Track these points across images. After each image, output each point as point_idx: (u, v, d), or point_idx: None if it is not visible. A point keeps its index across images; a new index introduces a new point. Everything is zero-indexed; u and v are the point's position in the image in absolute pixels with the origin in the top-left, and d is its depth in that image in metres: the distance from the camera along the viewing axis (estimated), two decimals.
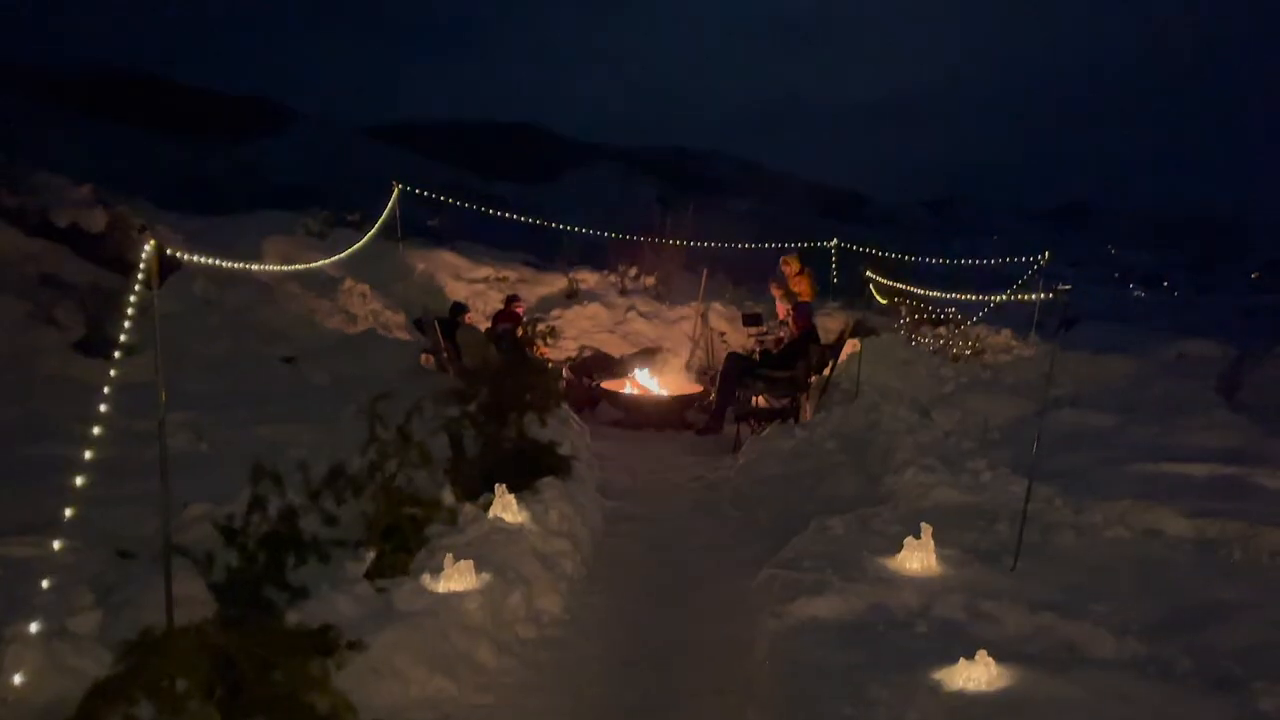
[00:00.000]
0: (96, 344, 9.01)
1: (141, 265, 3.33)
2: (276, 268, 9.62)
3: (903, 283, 13.21)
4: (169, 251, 3.97)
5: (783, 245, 14.07)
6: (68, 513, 3.90)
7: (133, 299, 3.49)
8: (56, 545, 3.99)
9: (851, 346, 10.84)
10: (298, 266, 9.05)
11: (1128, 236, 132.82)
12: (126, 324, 3.85)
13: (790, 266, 12.74)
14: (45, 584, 3.85)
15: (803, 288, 12.53)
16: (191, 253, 11.91)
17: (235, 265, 7.08)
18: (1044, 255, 12.82)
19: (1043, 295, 9.45)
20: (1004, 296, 11.16)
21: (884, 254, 14.74)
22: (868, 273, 11.91)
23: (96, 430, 4.03)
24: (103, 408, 4.07)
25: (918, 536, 5.19)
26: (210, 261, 6.29)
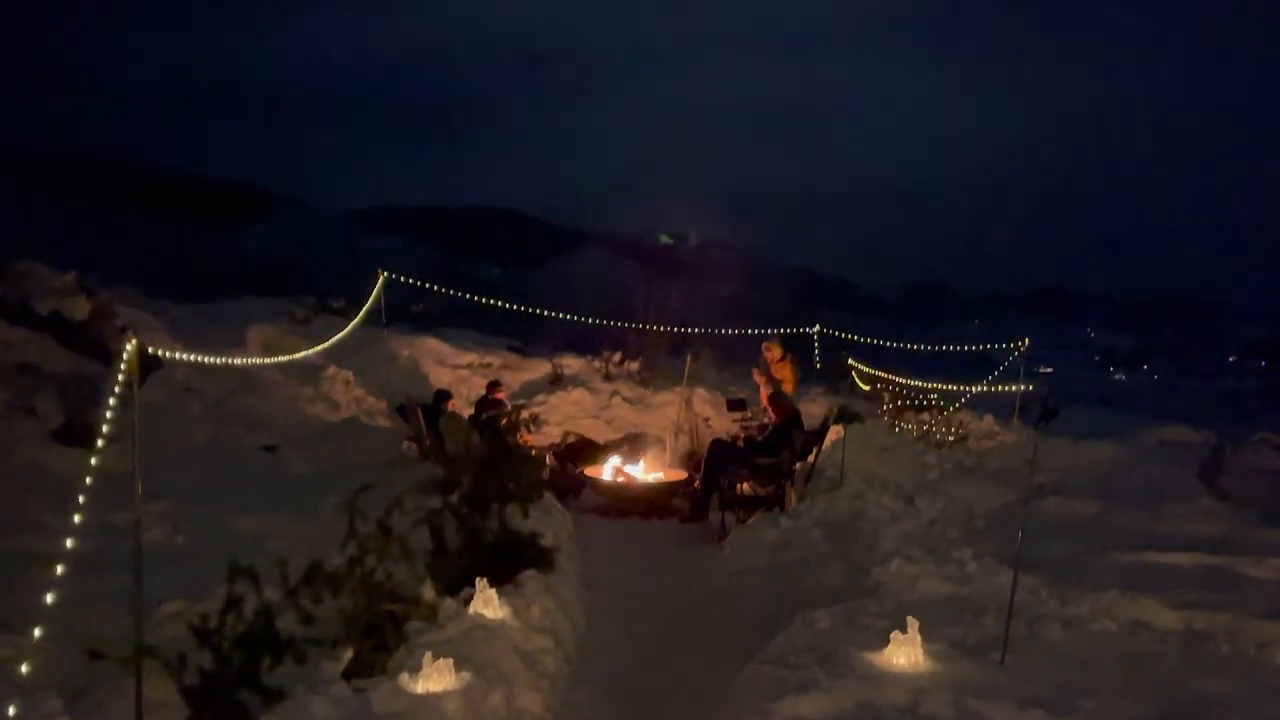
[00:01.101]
0: (75, 433, 8.93)
1: (123, 366, 3.33)
2: (260, 360, 9.61)
3: (885, 369, 13.29)
4: (150, 350, 3.97)
5: (766, 331, 14.16)
6: (41, 608, 3.82)
7: (112, 401, 3.48)
8: (27, 644, 3.90)
9: (835, 433, 10.84)
10: (280, 359, 9.04)
11: (1107, 320, 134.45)
12: (107, 419, 3.82)
13: (772, 352, 12.79)
14: (12, 688, 3.75)
15: (785, 374, 12.57)
16: (174, 341, 11.91)
17: (217, 360, 7.05)
18: (1023, 342, 12.95)
19: (1023, 386, 9.52)
20: (983, 386, 11.24)
21: (866, 340, 14.86)
22: (850, 360, 12.01)
23: (75, 518, 3.98)
24: (80, 499, 4.02)
25: (904, 631, 5.13)
26: (193, 358, 6.27)
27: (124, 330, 9.21)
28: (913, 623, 5.14)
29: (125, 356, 3.23)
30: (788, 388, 12.15)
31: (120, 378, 3.37)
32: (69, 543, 4.03)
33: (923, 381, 12.68)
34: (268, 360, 9.16)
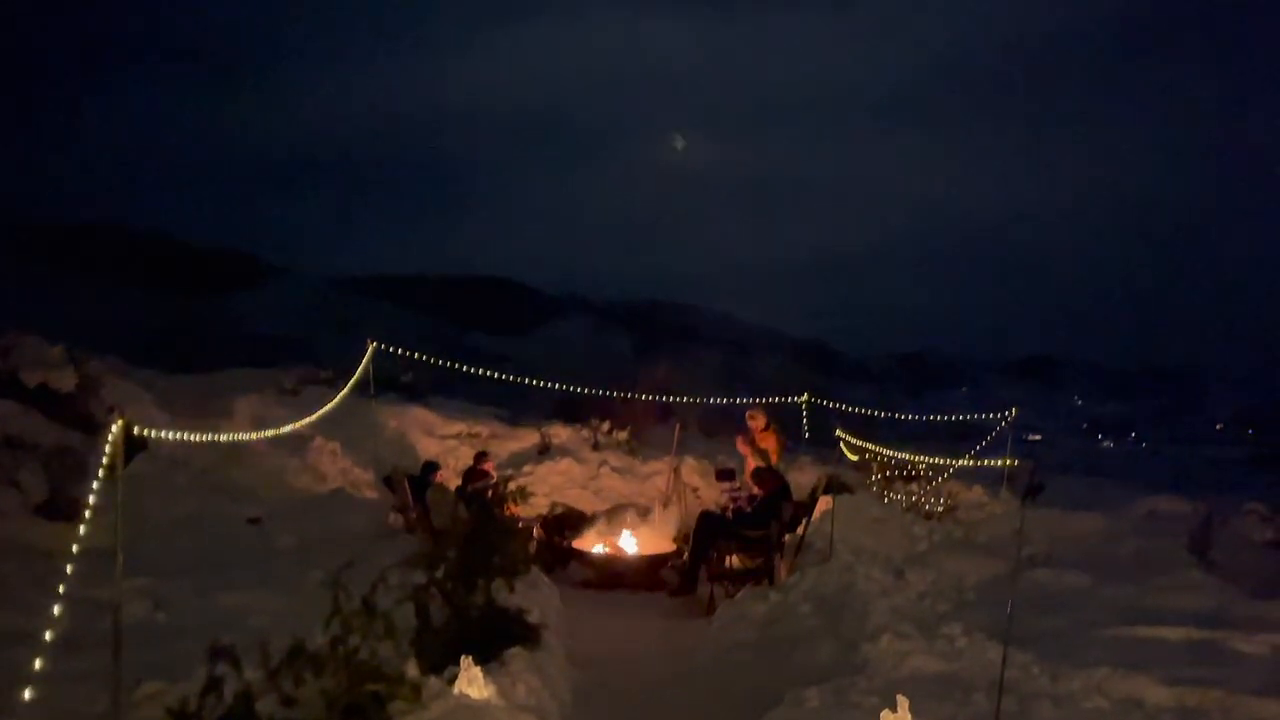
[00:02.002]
0: (58, 508, 8.85)
1: (108, 449, 3.32)
2: (247, 436, 9.56)
3: (874, 438, 13.30)
4: (136, 430, 3.97)
5: (753, 400, 14.18)
6: (19, 688, 3.75)
7: (96, 485, 3.47)
8: None
9: (824, 504, 10.81)
10: (267, 433, 9.00)
11: (1093, 387, 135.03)
12: (90, 503, 3.80)
13: (757, 421, 12.76)
14: None
15: (770, 443, 12.53)
16: (161, 412, 11.87)
17: (204, 438, 7.03)
18: (1011, 412, 13.02)
19: (1011, 461, 9.56)
20: (970, 460, 11.27)
21: (855, 410, 14.88)
22: (838, 431, 12.02)
23: (57, 604, 3.93)
24: (66, 573, 3.98)
25: (894, 709, 5.07)
26: (179, 437, 6.25)
27: (111, 410, 9.16)
28: (903, 701, 5.08)
29: (111, 438, 3.22)
30: (773, 457, 12.14)
31: (105, 460, 3.37)
32: (50, 622, 3.98)
33: (911, 453, 12.69)
34: (254, 436, 9.12)
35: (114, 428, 3.25)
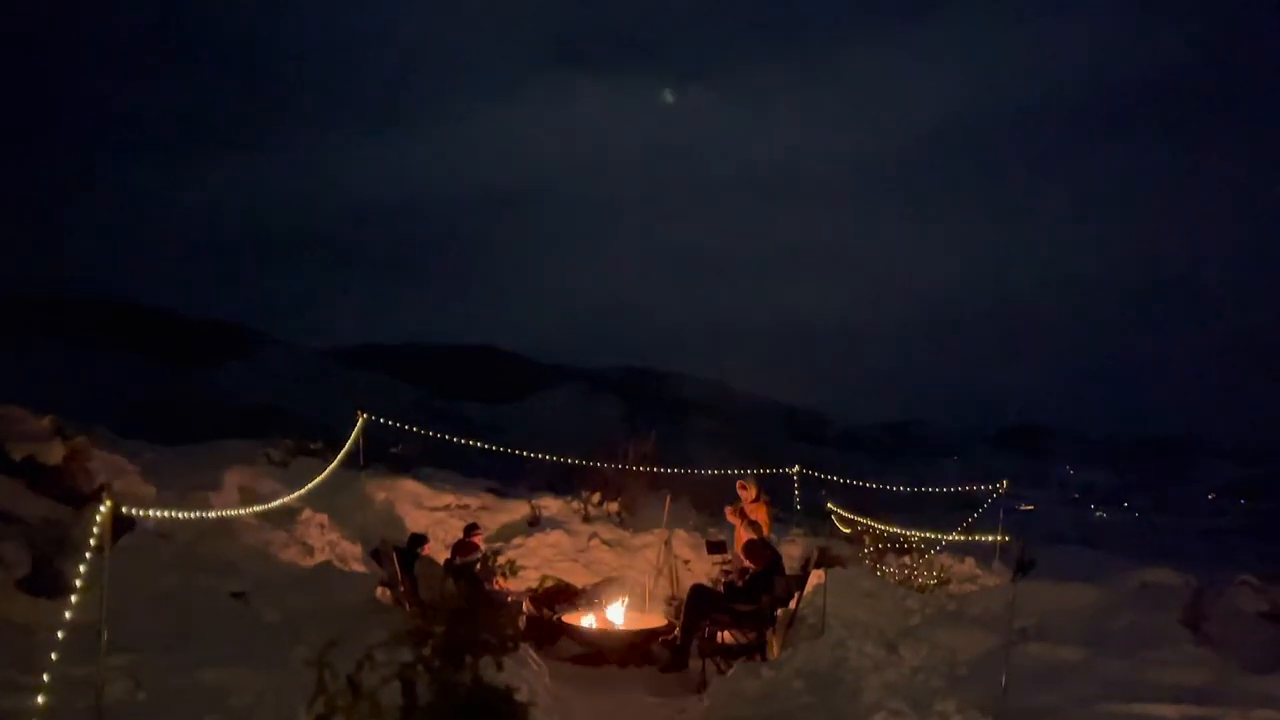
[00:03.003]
0: (42, 583, 8.73)
1: (95, 530, 3.31)
2: (234, 512, 9.51)
3: (865, 508, 13.29)
4: (123, 510, 3.95)
5: (745, 471, 14.17)
6: None
7: (82, 569, 3.44)
8: None
9: (817, 577, 10.74)
10: (255, 508, 8.96)
11: (1084, 456, 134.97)
12: (77, 584, 3.77)
13: (747, 492, 12.75)
14: None
15: (760, 515, 12.49)
16: (147, 484, 11.79)
17: (190, 515, 6.99)
18: (1001, 484, 13.02)
19: (1002, 537, 9.56)
20: (960, 535, 11.26)
21: (846, 481, 14.87)
22: (829, 504, 12.02)
23: (39, 694, 3.86)
24: (48, 648, 3.93)
25: None
26: (165, 514, 6.22)
27: (100, 490, 9.09)
28: None
29: (98, 520, 3.21)
30: (764, 529, 12.11)
31: (93, 541, 3.35)
32: (31, 703, 3.91)
33: (902, 526, 12.68)
34: (242, 511, 9.06)
35: (101, 508, 3.24)
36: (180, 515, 6.58)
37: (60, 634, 4.06)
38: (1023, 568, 6.31)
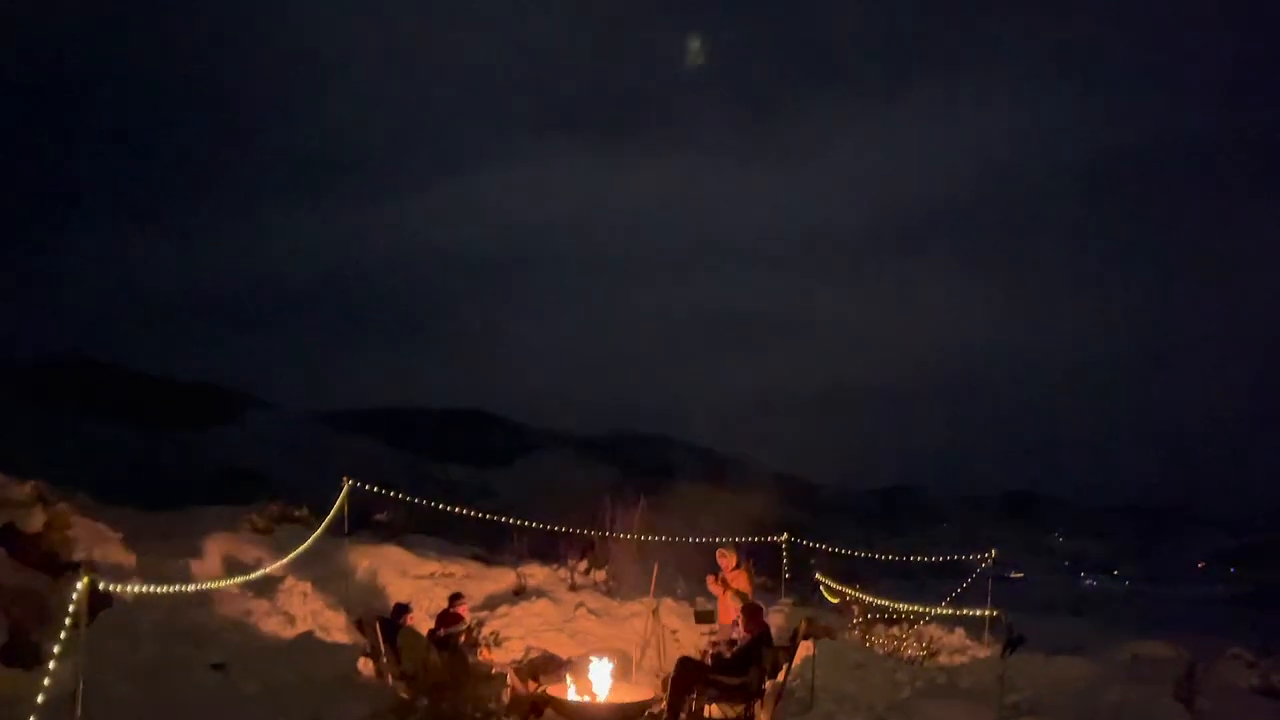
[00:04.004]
0: (18, 652, 8.58)
1: (71, 609, 3.27)
2: (214, 584, 9.40)
3: (855, 576, 13.22)
4: (101, 586, 3.91)
5: (734, 539, 14.10)
6: None
7: (57, 650, 3.39)
8: None
9: (805, 649, 10.62)
10: (237, 579, 8.85)
11: (1074, 523, 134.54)
12: (54, 658, 3.71)
13: (728, 560, 12.61)
14: None
15: (741, 583, 12.34)
16: (128, 552, 11.65)
17: (170, 589, 6.91)
18: (991, 553, 12.98)
19: (992, 612, 9.50)
20: (949, 610, 11.19)
21: (834, 550, 14.80)
22: (818, 575, 11.96)
23: None
24: None
25: None
26: (145, 589, 6.14)
27: (79, 566, 8.97)
28: None
29: (75, 598, 3.18)
30: (747, 598, 11.99)
31: (68, 620, 3.31)
32: None
33: (892, 596, 12.60)
34: (223, 584, 8.96)
35: (79, 585, 3.20)
36: (159, 590, 6.50)
37: (37, 703, 3.99)
38: (1012, 644, 6.26)
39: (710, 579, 12.61)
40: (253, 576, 9.02)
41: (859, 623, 13.05)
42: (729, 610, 11.90)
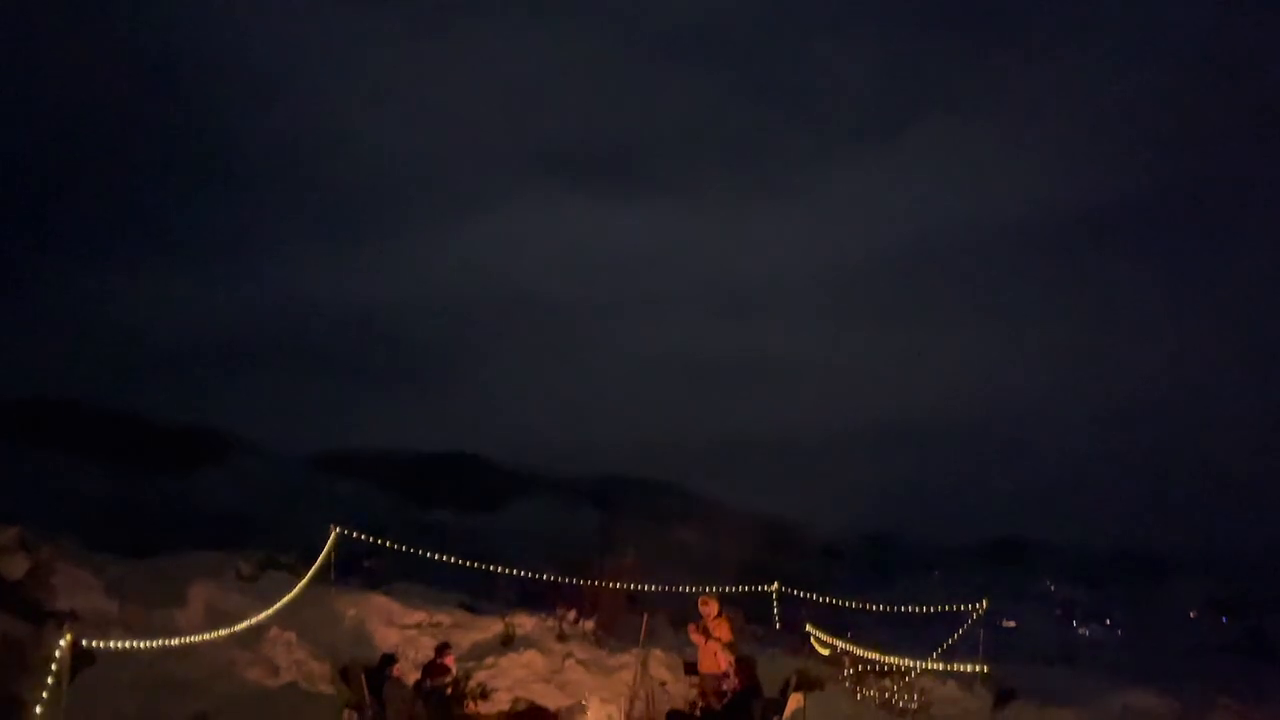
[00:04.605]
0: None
1: (53, 666, 3.22)
2: (197, 638, 9.29)
3: (845, 625, 13.12)
4: (83, 644, 3.86)
5: (724, 589, 14.01)
6: None
7: (39, 710, 3.34)
8: None
9: (796, 701, 10.53)
10: (220, 632, 8.75)
11: (1064, 570, 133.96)
12: (37, 704, 3.65)
13: (709, 608, 12.46)
14: None
15: (723, 631, 12.19)
16: (111, 601, 11.52)
17: (152, 644, 6.83)
18: (981, 604, 12.92)
19: (981, 667, 9.46)
20: (939, 664, 11.13)
21: (826, 600, 14.71)
22: (808, 626, 11.87)
23: None
24: None
25: None
26: (128, 645, 6.07)
27: (62, 623, 8.84)
28: None
29: (57, 655, 3.13)
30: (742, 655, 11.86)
31: (50, 679, 3.26)
32: None
33: (883, 645, 12.51)
34: (206, 636, 8.85)
35: (61, 643, 3.16)
36: (141, 645, 6.42)
37: None
38: (1001, 700, 6.21)
39: (691, 627, 12.47)
40: (237, 629, 8.90)
41: (850, 674, 12.93)
42: (710, 659, 11.77)
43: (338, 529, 12.77)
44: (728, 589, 13.81)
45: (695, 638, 12.30)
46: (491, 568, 15.71)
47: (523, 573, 15.53)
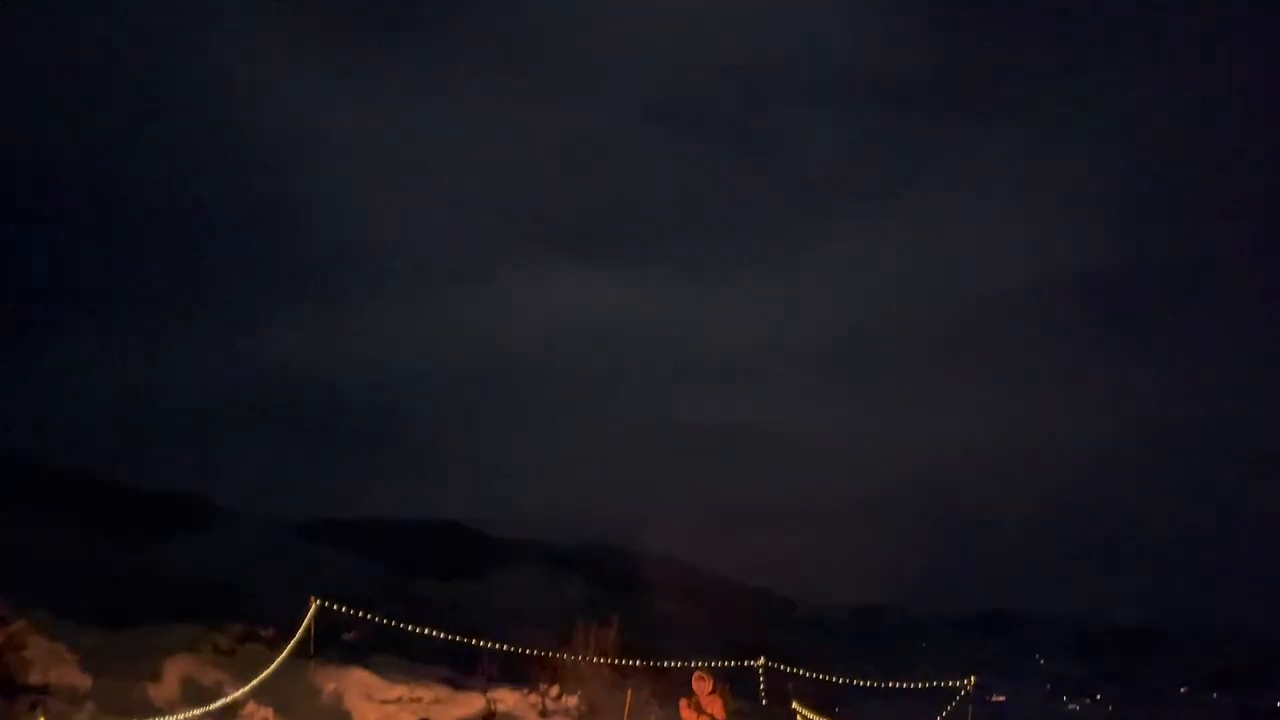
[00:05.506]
0: None
1: None
2: (174, 718, 9.09)
3: (834, 698, 12.92)
4: None
5: (706, 662, 13.80)
6: None
7: None
8: None
9: None
10: (195, 712, 8.57)
11: (1053, 644, 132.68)
12: None
13: (703, 684, 12.25)
14: None
15: (717, 709, 11.99)
16: (84, 675, 11.29)
17: None
18: (970, 680, 12.76)
19: None
20: None
21: (813, 675, 14.51)
22: (795, 704, 11.68)
23: None
24: None
25: None
26: None
27: (34, 703, 8.67)
28: None
29: None
30: None
31: None
32: None
33: None
34: (182, 717, 8.66)
35: None
36: None
37: None
38: None
39: (684, 703, 12.26)
40: (212, 707, 8.72)
41: None
42: None
43: (318, 600, 12.54)
44: (713, 663, 13.63)
45: (687, 714, 12.05)
46: (474, 641, 15.47)
47: (505, 647, 15.30)
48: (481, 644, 15.46)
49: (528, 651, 15.32)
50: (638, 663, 15.12)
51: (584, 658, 15.20)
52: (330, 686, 13.99)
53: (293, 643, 11.77)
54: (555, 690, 14.87)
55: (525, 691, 15.02)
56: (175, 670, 12.70)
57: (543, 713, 14.41)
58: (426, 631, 14.98)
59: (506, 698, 14.74)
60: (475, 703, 14.55)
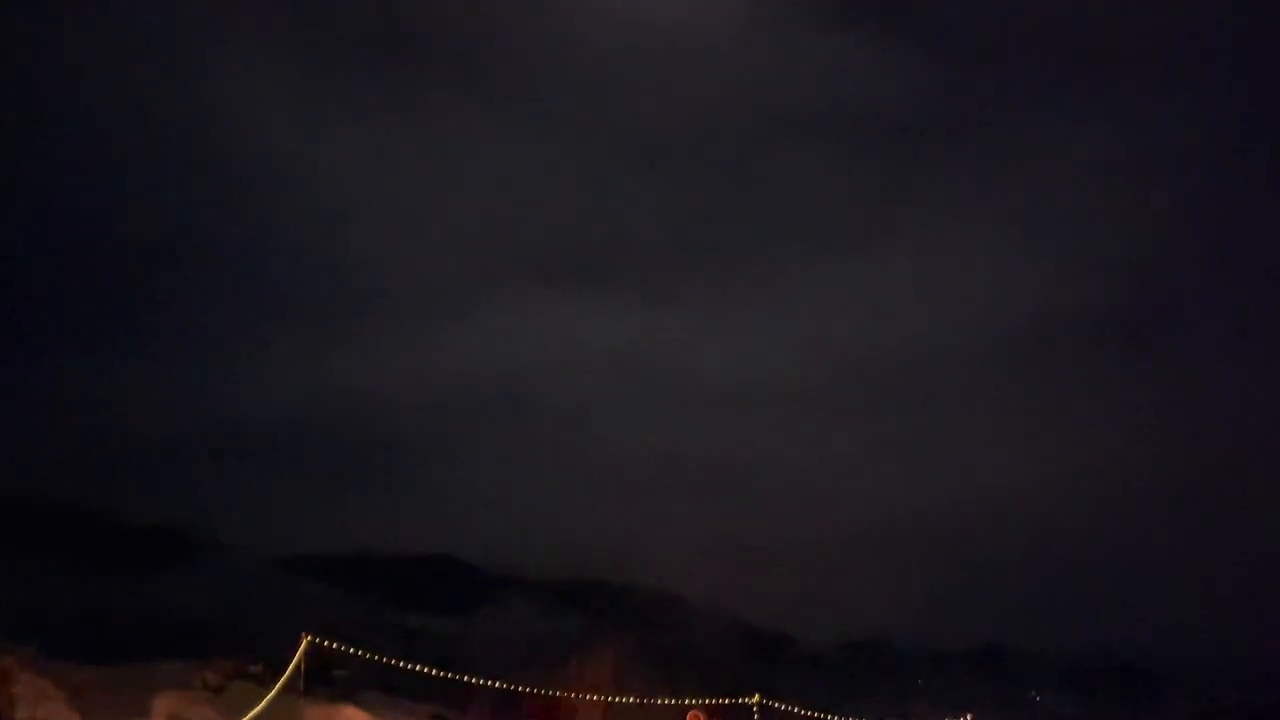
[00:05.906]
0: None
1: None
2: None
3: None
4: None
5: (703, 701, 13.76)
6: None
7: None
8: None
9: None
10: None
11: (1047, 680, 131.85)
12: None
13: None
14: None
15: None
16: (72, 712, 11.17)
17: None
18: (966, 717, 12.70)
19: None
20: None
21: (809, 714, 14.44)
22: None
23: None
24: None
25: None
26: None
27: None
28: None
29: None
30: None
31: None
32: None
33: None
34: None
35: None
36: None
37: None
38: None
39: None
40: None
41: None
42: None
43: (309, 637, 12.45)
44: (708, 700, 13.56)
45: None
46: (465, 678, 15.37)
47: (497, 684, 15.20)
48: (474, 681, 15.36)
49: (518, 688, 15.21)
50: (632, 700, 15.03)
51: (578, 695, 15.10)
52: None
53: (282, 680, 11.72)
54: None
55: None
56: (164, 707, 12.60)
57: None
58: (416, 668, 14.88)
59: None
60: None
